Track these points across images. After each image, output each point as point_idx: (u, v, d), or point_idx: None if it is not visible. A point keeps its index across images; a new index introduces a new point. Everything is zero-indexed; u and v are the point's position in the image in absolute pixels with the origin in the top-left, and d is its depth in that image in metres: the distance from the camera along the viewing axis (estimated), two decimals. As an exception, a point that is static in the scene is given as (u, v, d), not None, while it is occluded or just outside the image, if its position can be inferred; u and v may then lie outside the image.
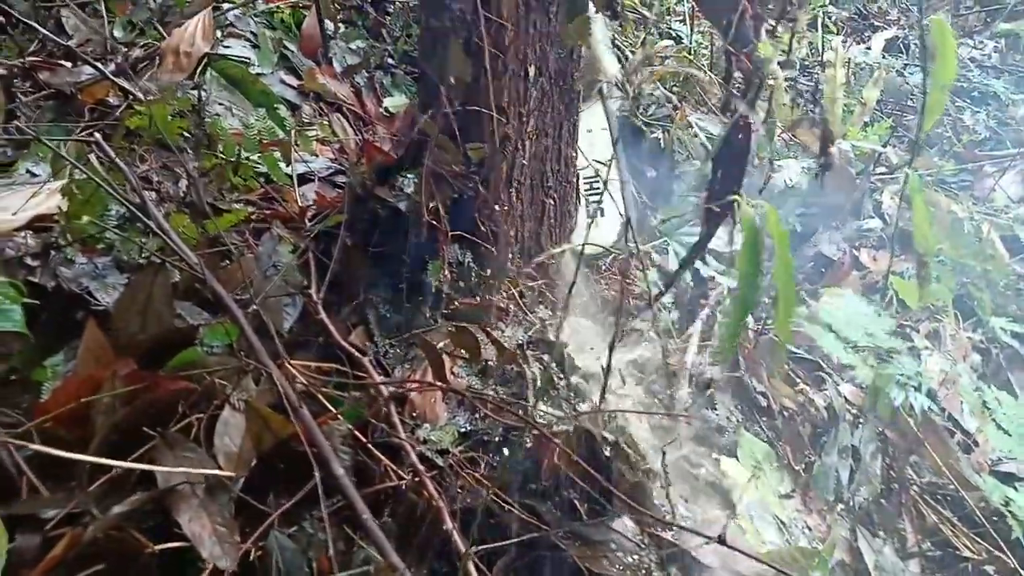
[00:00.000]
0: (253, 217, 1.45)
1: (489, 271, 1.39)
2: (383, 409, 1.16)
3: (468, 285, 1.39)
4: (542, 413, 1.22)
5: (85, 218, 1.32)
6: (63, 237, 1.30)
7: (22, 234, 1.34)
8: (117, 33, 2.14)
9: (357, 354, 1.15)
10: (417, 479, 1.05)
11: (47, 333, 1.24)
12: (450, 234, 1.28)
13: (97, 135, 1.29)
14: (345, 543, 1.10)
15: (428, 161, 1.20)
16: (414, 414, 1.23)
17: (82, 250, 1.31)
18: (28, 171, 1.57)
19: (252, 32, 2.09)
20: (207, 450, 1.07)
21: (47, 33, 1.99)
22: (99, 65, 1.89)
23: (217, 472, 0.99)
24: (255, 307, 1.17)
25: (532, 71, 1.29)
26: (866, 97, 2.49)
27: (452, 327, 1.32)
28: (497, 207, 1.34)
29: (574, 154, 1.54)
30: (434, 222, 1.25)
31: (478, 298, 1.38)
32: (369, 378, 1.14)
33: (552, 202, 1.50)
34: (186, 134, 1.69)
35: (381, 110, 2.15)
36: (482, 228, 1.36)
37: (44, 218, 1.39)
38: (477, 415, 1.26)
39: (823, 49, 3.08)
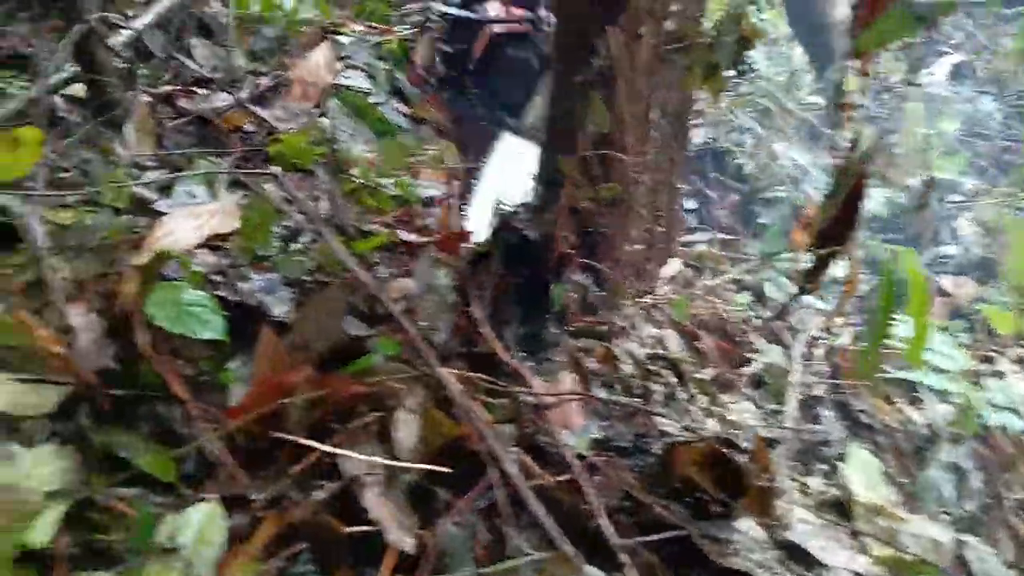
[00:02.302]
0: (396, 240, 1.60)
1: (607, 293, 1.53)
2: (530, 415, 1.31)
3: (589, 306, 1.52)
4: (668, 422, 1.35)
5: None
6: (241, 256, 1.46)
7: (200, 251, 1.52)
8: (240, 62, 2.33)
9: (516, 365, 1.29)
10: (570, 478, 1.19)
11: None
12: (578, 261, 1.43)
13: (277, 169, 1.45)
14: (495, 535, 1.25)
15: (563, 198, 1.35)
16: (551, 420, 1.37)
17: (255, 267, 1.47)
18: (187, 192, 1.75)
19: (366, 63, 2.27)
20: (383, 446, 1.22)
21: (185, 61, 2.19)
22: (234, 93, 2.08)
23: (408, 464, 1.14)
24: (415, 322, 1.32)
25: (655, 115, 1.43)
26: (944, 128, 2.59)
27: (579, 344, 1.46)
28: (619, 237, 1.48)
29: (679, 185, 1.67)
30: (566, 250, 1.39)
31: (598, 317, 1.52)
32: (522, 387, 1.29)
33: (660, 229, 1.64)
34: (320, 160, 1.86)
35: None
36: (603, 255, 1.50)
37: (216, 236, 1.57)
38: (607, 423, 1.39)
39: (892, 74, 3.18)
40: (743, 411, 1.47)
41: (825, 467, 1.42)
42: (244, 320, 1.42)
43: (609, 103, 1.29)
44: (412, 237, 1.62)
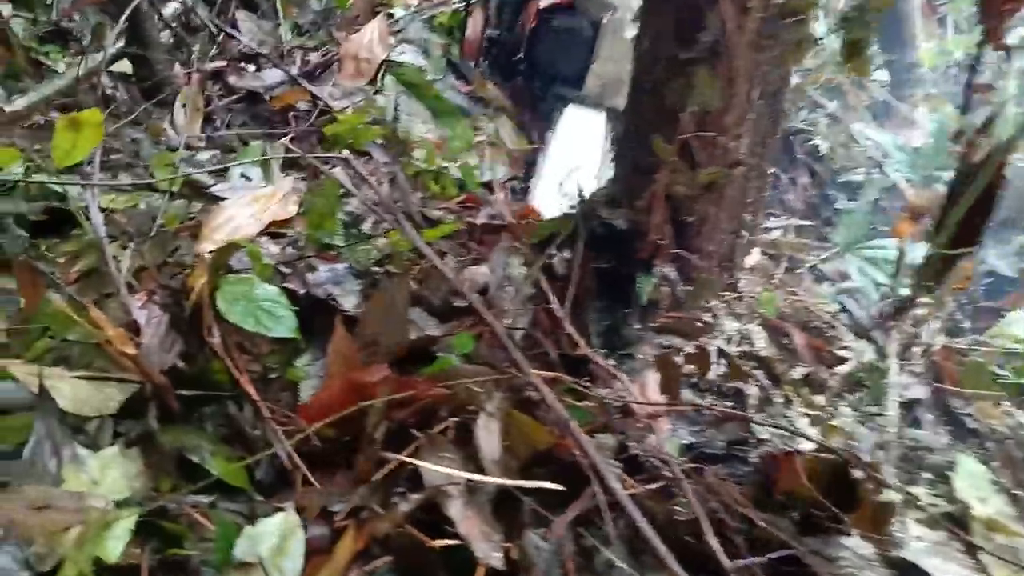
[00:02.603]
0: (464, 227, 1.52)
1: (695, 286, 1.43)
2: (619, 420, 1.22)
3: (675, 299, 1.43)
4: (764, 428, 1.26)
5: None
6: (308, 247, 1.38)
7: (262, 239, 1.44)
8: (285, 36, 2.24)
9: (605, 366, 1.20)
10: (665, 487, 1.11)
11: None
12: (669, 252, 1.33)
13: (347, 152, 1.36)
14: (582, 549, 1.17)
15: (659, 184, 1.25)
16: (639, 425, 1.28)
17: (320, 257, 1.39)
18: (242, 175, 1.67)
19: (420, 37, 2.16)
20: (464, 454, 1.14)
21: (232, 33, 2.10)
22: (287, 69, 1.99)
23: (500, 481, 1.06)
24: (496, 316, 1.24)
25: (755, 95, 1.32)
26: None
27: (664, 341, 1.37)
28: (711, 226, 1.37)
29: (768, 168, 1.56)
30: (658, 241, 1.30)
31: (685, 312, 1.43)
32: (609, 389, 1.20)
33: (749, 216, 1.53)
34: (379, 141, 1.77)
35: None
36: (694, 245, 1.40)
37: (277, 223, 1.49)
38: (697, 428, 1.30)
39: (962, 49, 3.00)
40: (840, 414, 1.37)
41: (929, 476, 1.32)
42: (312, 313, 1.34)
43: (711, 82, 1.19)
44: (481, 222, 1.53)
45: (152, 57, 1.81)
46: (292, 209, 1.54)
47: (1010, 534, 1.21)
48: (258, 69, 2.02)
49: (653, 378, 1.33)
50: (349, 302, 1.34)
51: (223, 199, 1.57)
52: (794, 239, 1.83)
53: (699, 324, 1.41)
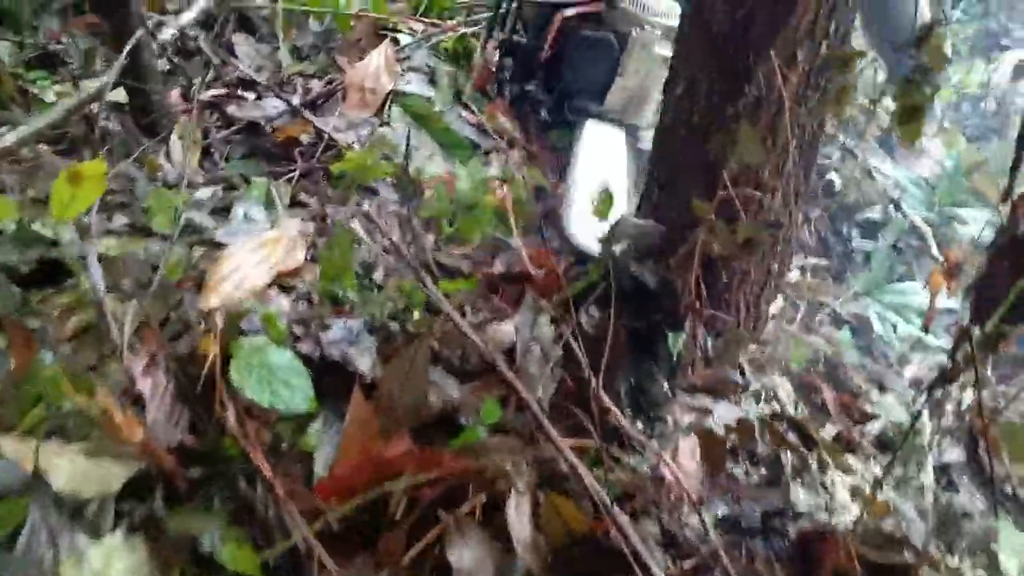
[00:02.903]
0: (483, 276, 1.45)
1: (724, 342, 1.38)
2: (652, 491, 1.16)
3: (704, 356, 1.37)
4: (803, 498, 1.21)
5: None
6: (321, 302, 1.31)
7: (271, 291, 1.36)
8: (284, 60, 2.15)
9: (636, 435, 1.15)
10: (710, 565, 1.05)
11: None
12: (703, 311, 1.27)
13: (368, 207, 1.29)
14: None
15: (695, 242, 1.19)
16: (670, 495, 1.22)
17: (335, 311, 1.32)
18: (245, 215, 1.59)
19: (427, 64, 2.09)
20: (493, 534, 1.08)
21: (230, 61, 2.01)
22: (288, 99, 1.90)
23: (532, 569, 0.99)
24: (524, 381, 1.17)
25: (793, 147, 1.27)
26: None
27: (696, 403, 1.31)
28: (744, 281, 1.32)
29: (796, 214, 1.51)
30: (693, 300, 1.24)
31: (716, 370, 1.37)
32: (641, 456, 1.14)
33: (776, 265, 1.48)
34: (390, 179, 1.70)
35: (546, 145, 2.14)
36: (726, 300, 1.34)
37: (286, 274, 1.41)
38: (731, 496, 1.25)
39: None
40: (874, 478, 1.32)
41: (967, 544, 1.28)
42: (325, 373, 1.27)
43: (755, 137, 1.13)
44: (499, 272, 1.46)
45: (149, 88, 1.72)
46: (300, 256, 1.46)
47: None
48: (258, 97, 1.94)
49: (686, 444, 1.28)
50: (365, 363, 1.26)
51: (226, 244, 1.49)
52: (812, 280, 1.79)
53: (731, 382, 1.36)
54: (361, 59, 2.09)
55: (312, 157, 1.73)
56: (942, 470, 1.36)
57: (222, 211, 1.61)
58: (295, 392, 1.08)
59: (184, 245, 1.48)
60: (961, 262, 1.38)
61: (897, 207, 1.99)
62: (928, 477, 1.32)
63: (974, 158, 2.11)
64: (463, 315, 1.39)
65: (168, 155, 1.73)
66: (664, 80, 1.35)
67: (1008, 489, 1.36)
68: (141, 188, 1.63)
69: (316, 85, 2.01)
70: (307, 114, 1.85)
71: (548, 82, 1.99)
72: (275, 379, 1.07)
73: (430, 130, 1.90)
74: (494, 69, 2.10)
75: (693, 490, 1.22)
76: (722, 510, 1.23)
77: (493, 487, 1.12)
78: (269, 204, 1.62)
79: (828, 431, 1.40)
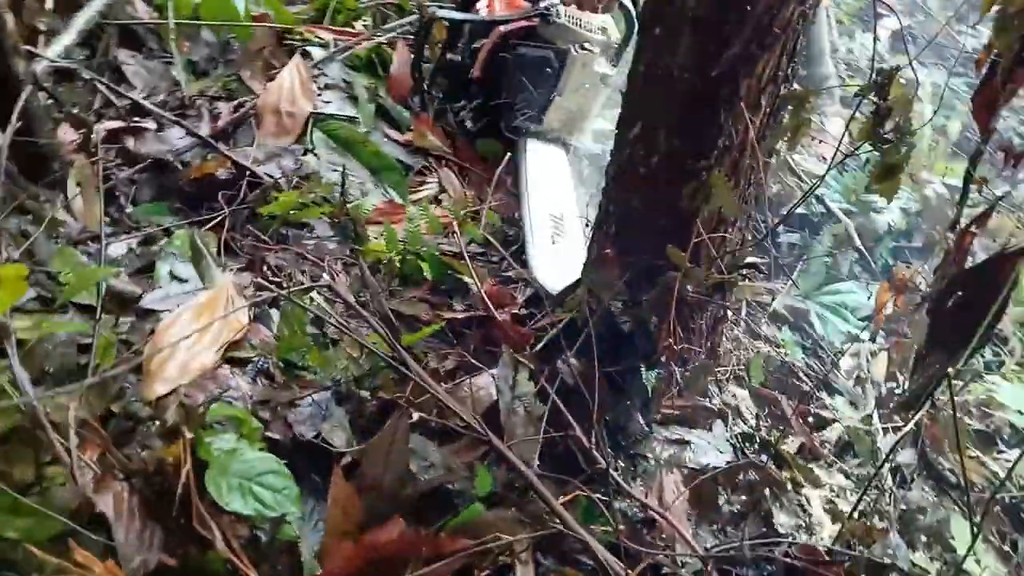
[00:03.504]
0: (444, 321, 1.39)
1: (692, 371, 1.40)
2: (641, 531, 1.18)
3: (676, 388, 1.39)
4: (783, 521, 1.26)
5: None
6: (285, 386, 1.21)
7: (224, 369, 1.25)
8: (179, 77, 1.96)
9: (628, 489, 1.15)
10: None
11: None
12: (676, 349, 1.28)
13: (335, 283, 1.20)
14: None
15: (670, 287, 1.19)
16: (663, 536, 1.24)
17: (298, 384, 1.23)
18: (171, 274, 1.44)
19: (344, 79, 1.96)
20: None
21: (119, 87, 1.80)
22: (195, 130, 1.73)
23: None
24: (506, 445, 1.15)
25: (752, 188, 1.29)
26: (949, 128, 2.57)
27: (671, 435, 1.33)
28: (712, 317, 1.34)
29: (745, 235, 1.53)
30: (667, 341, 1.24)
31: (687, 401, 1.39)
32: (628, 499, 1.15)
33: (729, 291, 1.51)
34: (328, 219, 1.59)
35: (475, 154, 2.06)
36: (696, 337, 1.36)
37: (233, 343, 1.30)
38: (716, 528, 1.28)
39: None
40: (838, 483, 1.40)
41: (924, 538, 1.38)
42: (296, 453, 1.19)
43: (726, 185, 1.13)
44: (462, 316, 1.41)
45: (34, 127, 1.51)
46: (244, 318, 1.35)
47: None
48: (160, 128, 1.75)
49: (668, 481, 1.30)
50: (340, 438, 1.20)
51: (156, 312, 1.36)
52: (751, 283, 1.84)
53: (703, 409, 1.39)
54: (269, 74, 1.94)
55: (236, 198, 1.59)
56: (895, 470, 1.45)
57: (143, 271, 1.46)
58: (280, 496, 1.00)
59: (107, 316, 1.33)
60: (907, 283, 1.47)
61: (818, 199, 2.08)
62: (887, 480, 1.41)
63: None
64: (426, 366, 1.34)
65: (67, 206, 1.54)
66: (619, 117, 1.32)
67: (952, 479, 1.47)
68: (42, 249, 1.44)
69: (224, 109, 1.83)
70: (221, 147, 1.69)
71: (479, 97, 1.91)
72: (257, 485, 0.99)
73: (358, 155, 1.79)
74: (413, 79, 2.00)
75: (683, 527, 1.24)
76: (710, 541, 1.27)
77: (496, 562, 1.10)
78: (195, 257, 1.48)
79: (792, 444, 1.46)
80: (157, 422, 1.12)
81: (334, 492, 1.12)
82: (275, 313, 1.41)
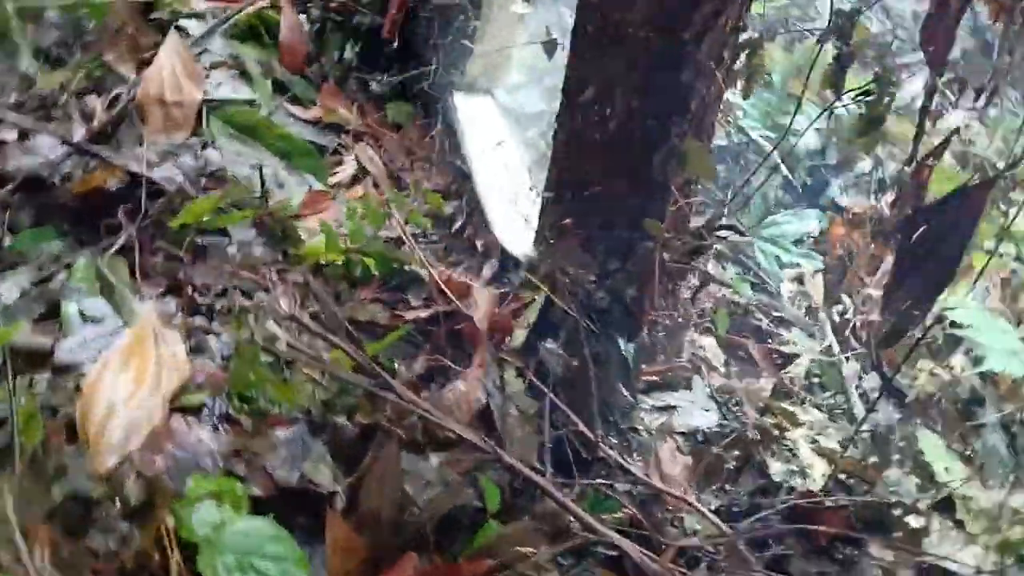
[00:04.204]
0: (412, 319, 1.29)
1: (668, 334, 1.37)
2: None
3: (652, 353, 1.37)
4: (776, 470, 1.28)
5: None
6: (255, 436, 1.08)
7: (178, 422, 1.10)
8: (30, 68, 1.68)
9: (626, 464, 1.12)
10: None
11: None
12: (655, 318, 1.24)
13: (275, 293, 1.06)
14: None
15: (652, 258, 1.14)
16: (668, 509, 1.23)
17: (268, 424, 1.11)
18: (82, 315, 1.25)
19: (232, 55, 1.73)
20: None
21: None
22: (67, 136, 1.49)
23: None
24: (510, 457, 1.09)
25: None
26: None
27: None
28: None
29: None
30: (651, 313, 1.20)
31: (665, 365, 1.37)
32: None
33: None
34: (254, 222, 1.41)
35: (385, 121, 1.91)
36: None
37: (178, 390, 1.14)
38: (716, 486, 1.29)
39: None
40: (813, 419, 1.44)
41: (898, 456, 1.44)
42: (281, 502, 1.08)
43: (702, 152, 1.07)
44: (424, 314, 1.31)
45: None
46: (182, 355, 1.19)
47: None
48: (23, 137, 1.49)
49: (665, 451, 1.28)
50: (324, 475, 1.09)
51: (74, 365, 1.18)
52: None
53: (681, 370, 1.37)
54: (140, 58, 1.68)
55: (137, 212, 1.38)
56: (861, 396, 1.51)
57: (46, 316, 1.26)
58: (287, 565, 0.90)
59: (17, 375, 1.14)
60: (861, 218, 1.48)
61: (739, 128, 2.08)
62: (857, 406, 1.46)
63: (786, 62, 2.23)
64: (397, 376, 1.24)
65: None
66: (565, 80, 1.23)
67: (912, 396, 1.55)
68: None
69: (96, 106, 1.58)
70: (103, 152, 1.46)
71: (392, 58, 1.75)
72: (259, 559, 0.89)
73: (264, 142, 1.60)
74: (313, 44, 1.80)
75: (686, 496, 1.24)
76: (714, 502, 1.27)
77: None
78: (106, 289, 1.29)
79: (765, 385, 1.48)
80: (117, 501, 0.98)
81: (331, 537, 1.03)
82: (213, 340, 1.26)
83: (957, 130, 1.16)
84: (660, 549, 1.07)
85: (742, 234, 1.30)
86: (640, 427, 1.30)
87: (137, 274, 1.32)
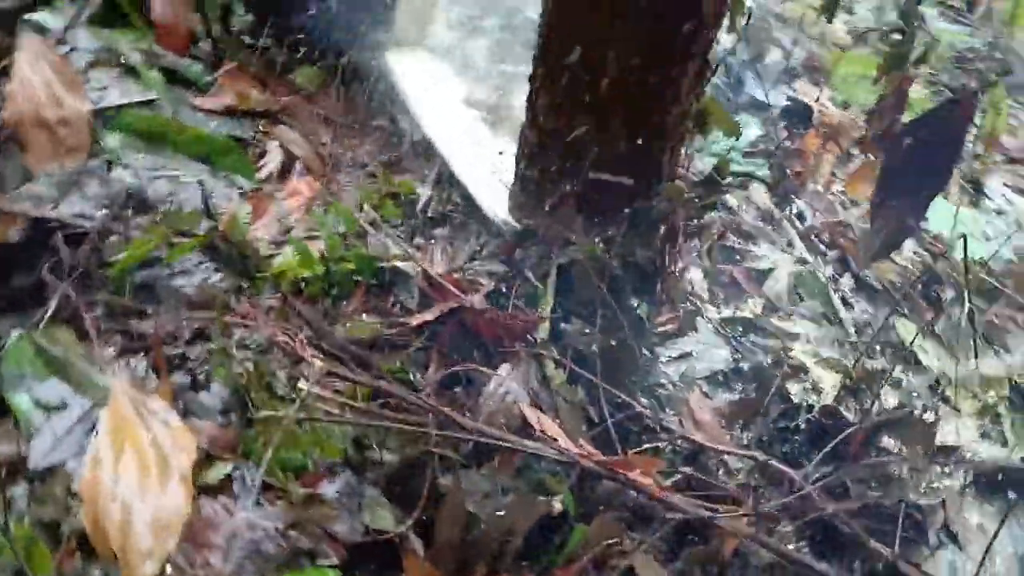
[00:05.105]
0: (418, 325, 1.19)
1: (670, 282, 1.36)
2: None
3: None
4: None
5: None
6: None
7: (206, 505, 0.97)
8: None
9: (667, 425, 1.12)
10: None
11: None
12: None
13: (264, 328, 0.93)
14: None
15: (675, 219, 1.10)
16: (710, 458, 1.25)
17: (312, 480, 1.01)
18: (39, 405, 1.06)
19: (107, 48, 1.45)
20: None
21: None
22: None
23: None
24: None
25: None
26: None
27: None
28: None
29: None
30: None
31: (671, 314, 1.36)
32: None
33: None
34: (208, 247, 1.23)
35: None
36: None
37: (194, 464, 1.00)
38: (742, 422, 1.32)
39: None
40: (804, 331, 1.49)
41: (889, 351, 1.53)
42: (357, 559, 0.99)
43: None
44: (422, 319, 1.21)
45: None
46: (179, 425, 1.05)
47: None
48: None
49: (694, 400, 1.29)
50: (387, 520, 1.01)
51: (55, 468, 1.02)
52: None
53: (686, 315, 1.37)
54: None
55: (59, 265, 1.16)
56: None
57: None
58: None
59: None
60: (840, 130, 1.49)
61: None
62: (841, 310, 1.53)
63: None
64: (417, 389, 1.15)
65: None
66: (542, 43, 1.13)
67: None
68: None
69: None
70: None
71: (301, 22, 1.53)
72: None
73: (177, 146, 1.37)
74: (185, 18, 1.54)
75: (725, 439, 1.27)
76: (747, 437, 1.31)
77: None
78: (56, 368, 1.10)
79: (754, 307, 1.51)
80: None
81: (414, 580, 0.97)
82: (204, 396, 1.12)
83: (936, 39, 1.17)
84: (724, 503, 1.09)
85: (736, 175, 1.28)
86: (664, 380, 1.30)
87: (90, 340, 1.13)
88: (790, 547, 1.07)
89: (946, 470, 1.32)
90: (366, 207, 1.29)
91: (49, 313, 1.14)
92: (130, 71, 1.45)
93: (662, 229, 1.16)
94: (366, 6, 1.53)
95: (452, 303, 1.20)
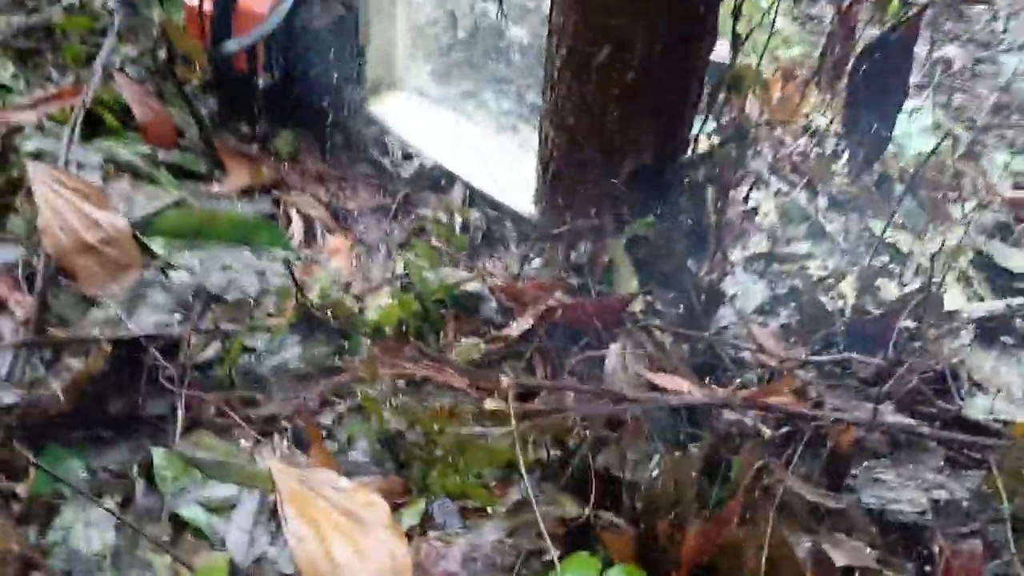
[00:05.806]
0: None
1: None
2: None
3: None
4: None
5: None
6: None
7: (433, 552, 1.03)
8: None
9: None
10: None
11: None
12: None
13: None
14: None
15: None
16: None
17: (497, 494, 1.09)
18: (209, 507, 1.07)
19: (115, 160, 1.44)
20: None
21: None
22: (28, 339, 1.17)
23: None
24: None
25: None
26: None
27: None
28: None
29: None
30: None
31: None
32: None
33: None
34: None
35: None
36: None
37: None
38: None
39: None
40: (812, 250, 1.70)
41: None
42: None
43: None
44: (528, 324, 1.30)
45: None
46: (347, 485, 1.10)
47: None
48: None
49: (758, 331, 1.45)
50: (573, 510, 1.11)
51: (262, 557, 1.05)
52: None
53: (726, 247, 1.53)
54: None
55: (152, 381, 1.16)
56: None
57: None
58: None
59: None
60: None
61: None
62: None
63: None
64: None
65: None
66: (563, 54, 1.25)
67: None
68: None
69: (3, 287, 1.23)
70: (63, 336, 1.17)
71: (261, 96, 1.56)
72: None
73: (219, 235, 1.38)
74: (168, 115, 1.53)
75: (795, 355, 1.44)
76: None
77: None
78: (212, 471, 1.12)
79: (759, 242, 1.70)
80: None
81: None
82: (357, 454, 1.17)
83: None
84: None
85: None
86: (726, 323, 1.46)
87: (229, 435, 1.15)
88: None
89: (956, 330, 1.56)
90: (434, 240, 1.37)
91: (180, 424, 1.15)
92: (139, 176, 1.44)
93: (710, 190, 1.31)
94: (335, 61, 1.59)
95: (541, 305, 1.31)
